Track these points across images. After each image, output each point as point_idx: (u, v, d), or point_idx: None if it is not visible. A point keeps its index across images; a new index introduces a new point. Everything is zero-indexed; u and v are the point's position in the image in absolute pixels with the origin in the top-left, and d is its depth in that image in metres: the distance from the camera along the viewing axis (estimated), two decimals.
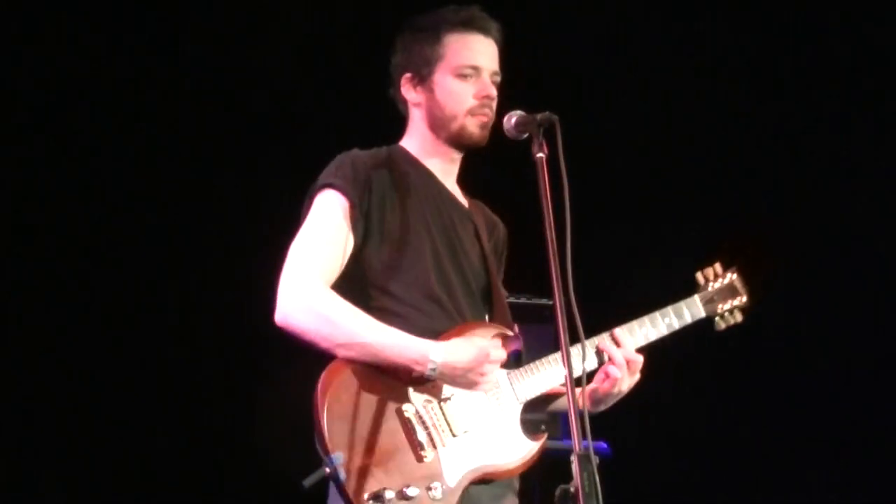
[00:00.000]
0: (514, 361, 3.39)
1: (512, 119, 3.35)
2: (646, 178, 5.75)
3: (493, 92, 3.43)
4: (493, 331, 3.36)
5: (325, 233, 3.29)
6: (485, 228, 3.49)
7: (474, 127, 3.42)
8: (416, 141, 3.50)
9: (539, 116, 3.26)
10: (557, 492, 3.22)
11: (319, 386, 3.14)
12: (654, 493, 5.24)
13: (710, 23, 5.70)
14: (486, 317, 3.44)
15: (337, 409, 3.11)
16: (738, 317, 3.62)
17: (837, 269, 5.63)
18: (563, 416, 3.10)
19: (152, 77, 5.46)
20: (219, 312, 5.47)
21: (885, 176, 5.62)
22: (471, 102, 3.42)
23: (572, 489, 2.92)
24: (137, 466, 5.44)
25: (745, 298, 3.62)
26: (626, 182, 5.74)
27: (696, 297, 3.58)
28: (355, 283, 3.32)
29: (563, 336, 3.01)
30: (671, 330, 3.52)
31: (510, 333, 3.37)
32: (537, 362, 3.39)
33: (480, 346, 3.25)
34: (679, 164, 5.72)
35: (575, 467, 2.92)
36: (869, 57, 5.66)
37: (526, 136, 3.31)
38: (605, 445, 3.99)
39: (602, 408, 3.44)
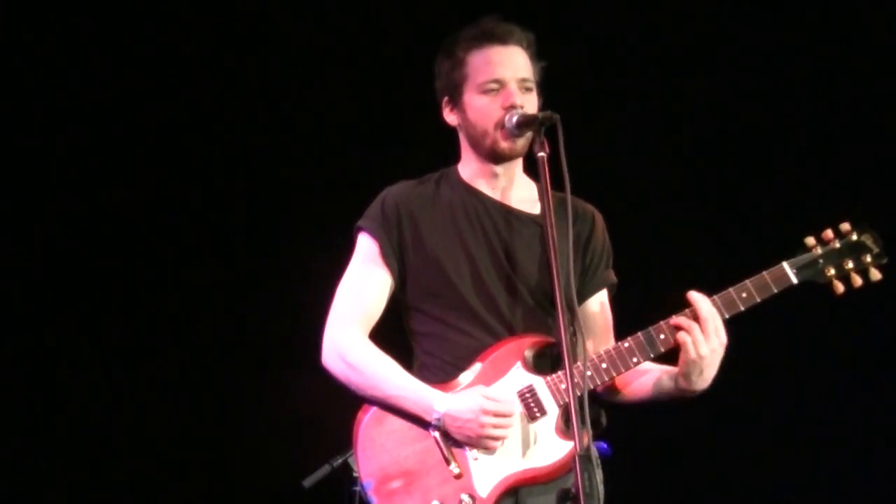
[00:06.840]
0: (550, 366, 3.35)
1: (513, 118, 3.35)
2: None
3: (517, 100, 3.38)
4: (527, 342, 3.34)
5: (360, 278, 3.44)
6: (563, 227, 3.15)
7: (504, 139, 3.41)
8: (464, 160, 3.54)
9: (540, 115, 3.26)
10: (558, 492, 3.22)
11: (357, 417, 3.34)
12: (654, 493, 5.23)
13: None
14: (549, 320, 3.36)
15: (370, 439, 3.31)
16: (876, 275, 3.32)
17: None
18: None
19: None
20: (218, 313, 5.47)
21: None
22: (498, 115, 3.39)
23: (573, 489, 2.92)
24: (137, 467, 5.44)
25: (877, 251, 3.32)
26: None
27: (785, 265, 3.33)
28: (405, 309, 3.46)
29: (564, 335, 3.01)
30: (750, 304, 3.30)
31: (550, 340, 3.34)
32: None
33: (483, 396, 3.25)
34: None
35: (575, 467, 2.92)
36: None
37: (528, 134, 3.31)
38: (605, 445, 3.96)
39: (696, 381, 3.28)
